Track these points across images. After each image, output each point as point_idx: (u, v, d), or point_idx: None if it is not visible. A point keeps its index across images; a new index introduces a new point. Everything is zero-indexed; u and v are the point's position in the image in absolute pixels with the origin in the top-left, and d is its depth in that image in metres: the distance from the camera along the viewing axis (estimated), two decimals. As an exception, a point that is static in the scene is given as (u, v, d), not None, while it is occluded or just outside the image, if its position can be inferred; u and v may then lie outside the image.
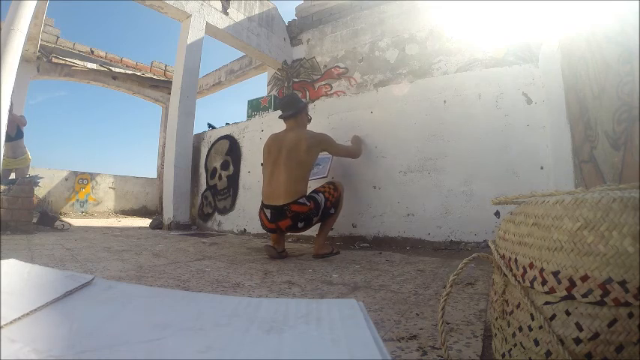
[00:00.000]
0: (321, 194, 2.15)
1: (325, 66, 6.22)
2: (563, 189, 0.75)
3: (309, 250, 2.47)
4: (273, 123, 3.63)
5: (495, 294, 0.64)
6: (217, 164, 4.17)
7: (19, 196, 3.23)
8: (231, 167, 3.97)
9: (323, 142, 2.26)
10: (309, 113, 2.44)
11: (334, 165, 2.82)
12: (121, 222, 5.63)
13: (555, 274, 0.49)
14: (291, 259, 2.13)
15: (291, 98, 2.47)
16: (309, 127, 2.44)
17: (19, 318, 0.34)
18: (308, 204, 2.07)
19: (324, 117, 3.13)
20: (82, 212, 6.81)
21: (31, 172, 5.58)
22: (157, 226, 4.26)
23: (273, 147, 2.21)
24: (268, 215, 2.09)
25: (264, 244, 2.46)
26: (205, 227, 4.21)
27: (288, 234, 2.60)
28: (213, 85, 8.59)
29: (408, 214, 2.63)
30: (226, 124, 4.32)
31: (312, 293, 1.27)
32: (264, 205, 2.14)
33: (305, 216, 2.06)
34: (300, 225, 2.08)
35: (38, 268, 0.52)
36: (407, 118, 2.72)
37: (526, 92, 2.31)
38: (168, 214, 4.25)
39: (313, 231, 2.41)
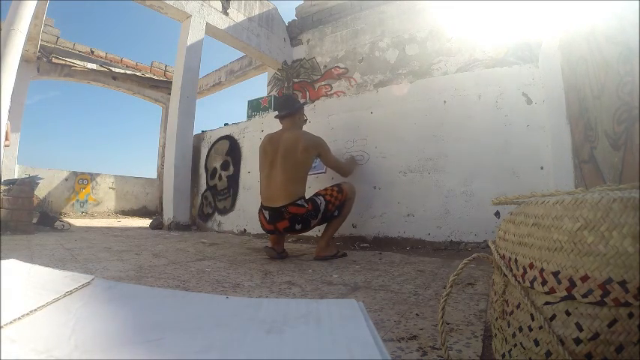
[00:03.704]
0: (321, 197, 2.13)
1: (325, 66, 6.22)
2: (563, 189, 0.75)
3: (310, 250, 2.47)
4: (273, 123, 3.62)
5: (495, 294, 0.64)
6: (217, 164, 4.17)
7: (19, 197, 3.23)
8: (232, 167, 3.97)
9: (319, 147, 2.23)
10: (305, 114, 2.41)
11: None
12: (121, 222, 5.63)
13: (555, 274, 0.49)
14: (291, 259, 2.12)
15: (288, 98, 2.44)
16: (308, 128, 2.44)
17: (19, 318, 0.34)
18: (306, 206, 2.05)
19: (324, 117, 3.13)
20: (82, 212, 6.81)
21: (31, 173, 5.59)
22: (156, 226, 4.26)
23: (269, 148, 2.18)
24: (267, 216, 2.09)
25: (264, 244, 2.45)
26: (205, 227, 4.21)
27: (289, 235, 2.59)
28: (214, 86, 8.59)
29: (408, 215, 2.63)
30: (225, 124, 4.33)
31: (312, 293, 1.27)
32: (262, 207, 2.13)
33: (302, 218, 2.04)
34: (297, 227, 2.06)
35: (38, 268, 0.52)
36: (407, 118, 2.72)
37: (526, 92, 2.31)
38: (168, 215, 4.25)
39: (314, 231, 2.41)
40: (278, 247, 2.14)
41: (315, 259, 2.06)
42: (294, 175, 2.09)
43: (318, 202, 2.10)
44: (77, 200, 6.84)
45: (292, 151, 2.10)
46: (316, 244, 2.24)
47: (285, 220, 2.03)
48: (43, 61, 6.33)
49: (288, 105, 2.32)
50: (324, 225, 2.20)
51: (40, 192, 5.98)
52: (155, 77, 8.26)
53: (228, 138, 4.09)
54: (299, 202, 2.05)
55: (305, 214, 2.04)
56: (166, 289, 1.14)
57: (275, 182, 2.09)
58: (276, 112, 2.37)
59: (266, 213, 2.09)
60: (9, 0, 3.35)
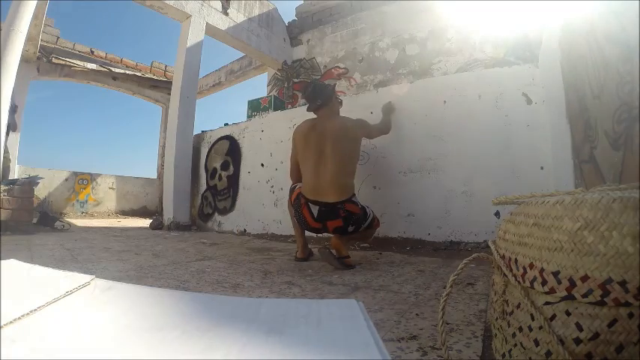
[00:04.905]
0: (369, 209, 1.93)
1: (325, 66, 6.22)
2: (563, 189, 0.75)
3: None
4: (273, 123, 3.63)
5: (495, 294, 0.64)
6: (217, 164, 4.17)
7: (19, 197, 3.23)
8: (232, 167, 3.97)
9: (364, 127, 2.08)
10: (339, 97, 2.20)
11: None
12: (121, 222, 5.63)
13: (555, 274, 0.49)
14: (290, 259, 2.12)
15: (316, 86, 2.13)
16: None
17: (19, 318, 0.34)
18: (360, 205, 1.85)
19: (324, 117, 3.12)
20: (82, 213, 6.81)
21: (31, 173, 5.58)
22: (157, 226, 4.26)
23: (313, 136, 1.94)
24: (315, 212, 1.82)
25: (264, 244, 2.45)
26: (205, 228, 4.21)
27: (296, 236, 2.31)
28: (213, 86, 8.59)
29: (408, 215, 2.63)
30: (225, 124, 4.33)
31: (312, 293, 1.27)
32: (309, 201, 1.84)
33: (356, 219, 1.81)
34: (350, 229, 1.81)
35: (38, 269, 0.52)
36: (407, 118, 2.71)
37: (526, 92, 2.31)
38: (168, 215, 4.25)
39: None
40: (305, 249, 1.99)
41: (339, 260, 1.74)
42: (347, 168, 1.91)
43: (368, 211, 1.88)
44: (77, 200, 6.83)
45: (342, 141, 1.91)
46: (320, 244, 2.09)
47: (339, 219, 1.79)
48: (43, 61, 6.33)
49: (319, 93, 2.05)
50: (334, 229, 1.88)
51: (40, 192, 5.98)
52: (155, 77, 8.25)
53: (228, 138, 4.09)
54: (355, 199, 1.86)
55: (359, 216, 1.81)
56: (166, 289, 1.14)
57: (325, 174, 1.84)
58: (308, 105, 2.14)
59: (314, 209, 1.81)
60: (9, 0, 3.35)
